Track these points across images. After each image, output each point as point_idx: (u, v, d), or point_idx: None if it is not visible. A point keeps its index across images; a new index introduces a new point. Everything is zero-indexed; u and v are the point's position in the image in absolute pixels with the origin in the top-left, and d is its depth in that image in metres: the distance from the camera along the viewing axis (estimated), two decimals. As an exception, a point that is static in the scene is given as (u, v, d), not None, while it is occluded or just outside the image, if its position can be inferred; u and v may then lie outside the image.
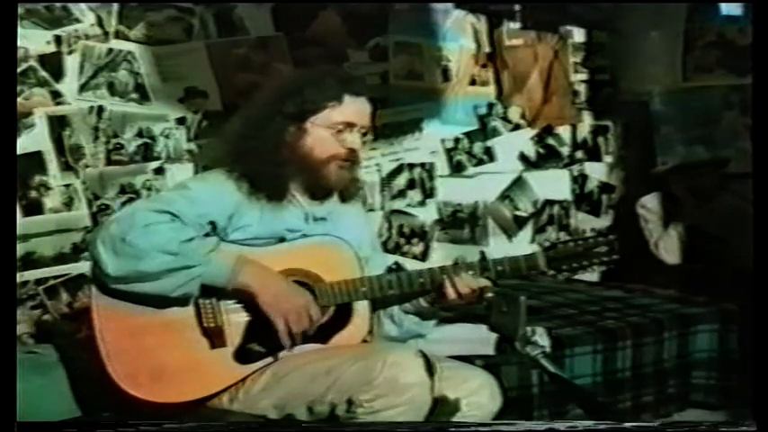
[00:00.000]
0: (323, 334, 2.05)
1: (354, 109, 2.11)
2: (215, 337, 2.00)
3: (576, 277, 4.10)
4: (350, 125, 2.09)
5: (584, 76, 4.18)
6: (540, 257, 2.10)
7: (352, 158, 2.11)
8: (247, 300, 1.99)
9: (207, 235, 2.02)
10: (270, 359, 2.01)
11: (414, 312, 2.19)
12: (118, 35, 3.18)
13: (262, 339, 2.00)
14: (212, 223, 2.02)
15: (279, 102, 2.11)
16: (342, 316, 2.07)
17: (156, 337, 1.98)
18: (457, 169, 3.90)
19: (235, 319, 2.02)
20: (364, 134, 2.14)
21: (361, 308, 2.09)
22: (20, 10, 2.93)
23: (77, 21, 3.11)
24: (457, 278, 2.04)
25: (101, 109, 3.16)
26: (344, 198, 2.21)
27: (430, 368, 1.90)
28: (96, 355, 1.95)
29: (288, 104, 2.09)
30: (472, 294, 2.04)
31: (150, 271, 1.90)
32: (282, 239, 2.07)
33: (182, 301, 1.97)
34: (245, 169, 2.07)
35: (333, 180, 2.11)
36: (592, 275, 4.16)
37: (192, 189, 2.06)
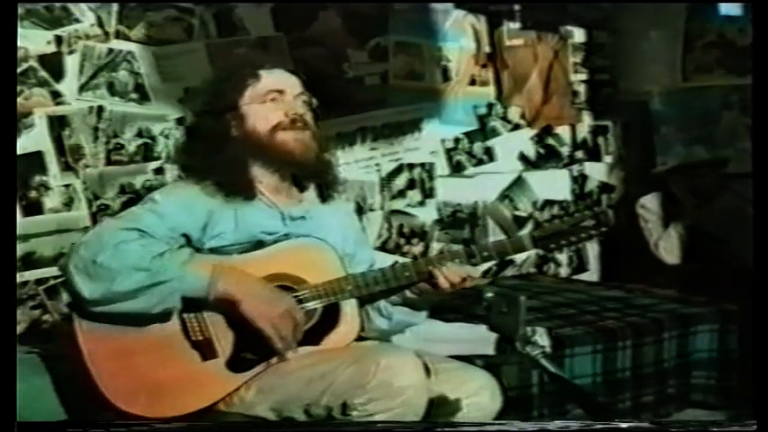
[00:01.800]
0: (314, 336, 2.02)
1: (275, 78, 2.12)
2: (205, 349, 1.96)
3: (576, 277, 4.13)
4: (279, 92, 2.09)
5: (583, 76, 4.18)
6: (525, 239, 2.08)
7: (300, 125, 2.08)
8: (230, 309, 1.95)
9: (181, 247, 1.99)
10: (264, 365, 1.98)
11: (402, 303, 2.16)
12: (118, 35, 3.18)
13: (253, 346, 1.97)
14: (185, 236, 2.00)
15: (205, 103, 2.14)
16: (330, 317, 2.04)
17: (147, 356, 1.94)
18: (457, 169, 3.91)
19: (222, 329, 1.98)
20: (308, 103, 2.13)
21: (350, 307, 2.06)
22: (20, 10, 2.93)
23: (77, 21, 3.11)
24: (443, 267, 2.03)
25: (101, 109, 3.15)
26: (324, 197, 2.19)
27: (425, 370, 1.88)
28: (89, 379, 1.92)
29: (210, 102, 2.12)
30: (461, 282, 2.03)
31: (125, 290, 1.87)
32: (261, 243, 2.04)
33: (164, 317, 1.94)
34: (206, 176, 2.05)
35: (290, 147, 2.06)
36: (592, 275, 4.18)
37: (159, 203, 2.01)
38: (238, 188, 2.05)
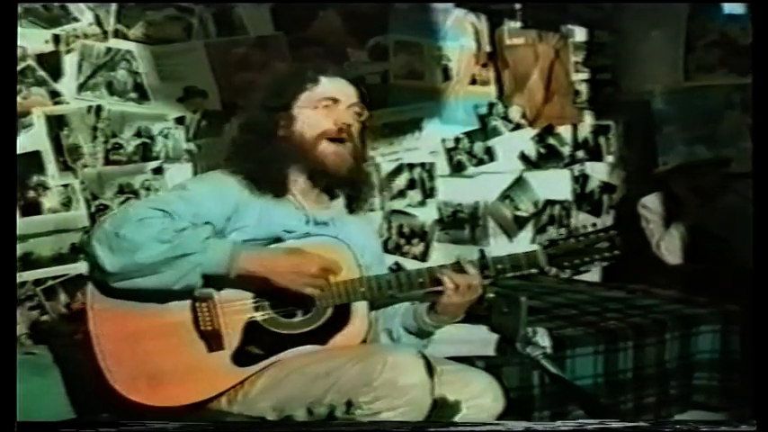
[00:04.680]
0: (322, 335, 2.03)
1: (334, 86, 2.14)
2: (212, 340, 1.98)
3: (578, 277, 4.12)
4: (334, 100, 2.12)
5: (585, 76, 4.17)
6: (540, 255, 2.09)
7: (345, 135, 2.10)
8: (257, 284, 1.97)
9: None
10: (268, 361, 1.99)
11: (416, 331, 2.17)
12: (116, 34, 3.18)
13: (260, 341, 1.99)
14: (209, 224, 2.00)
15: (263, 98, 2.16)
16: (341, 317, 2.05)
17: (154, 342, 1.96)
18: (457, 169, 3.90)
19: (232, 321, 2.00)
20: (359, 114, 2.15)
21: (360, 309, 2.07)
22: (18, 9, 2.92)
23: (76, 20, 3.10)
24: (456, 275, 2.04)
25: (99, 108, 3.15)
26: (352, 209, 2.21)
27: (429, 370, 1.88)
28: (93, 360, 1.94)
29: (269, 98, 2.14)
30: (472, 292, 2.04)
31: (147, 262, 1.88)
32: (279, 240, 2.06)
33: (183, 295, 1.96)
34: (244, 168, 2.08)
35: (330, 159, 2.09)
36: (593, 276, 4.16)
37: (189, 190, 2.05)
38: (270, 184, 2.08)
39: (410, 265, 3.58)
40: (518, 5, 3.95)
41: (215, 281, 1.96)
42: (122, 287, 1.92)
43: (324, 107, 2.11)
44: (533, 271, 3.44)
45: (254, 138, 2.11)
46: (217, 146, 2.24)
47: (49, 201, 3.06)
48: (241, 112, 2.25)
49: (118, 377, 1.93)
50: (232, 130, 2.21)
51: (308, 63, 2.32)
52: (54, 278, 3.05)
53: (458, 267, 2.07)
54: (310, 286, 1.97)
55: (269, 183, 2.07)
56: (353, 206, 2.21)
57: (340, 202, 2.20)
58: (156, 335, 1.97)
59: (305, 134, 2.09)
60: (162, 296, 1.95)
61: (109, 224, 1.92)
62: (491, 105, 3.96)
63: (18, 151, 2.95)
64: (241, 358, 1.99)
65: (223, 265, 1.93)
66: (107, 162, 3.17)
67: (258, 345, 2.00)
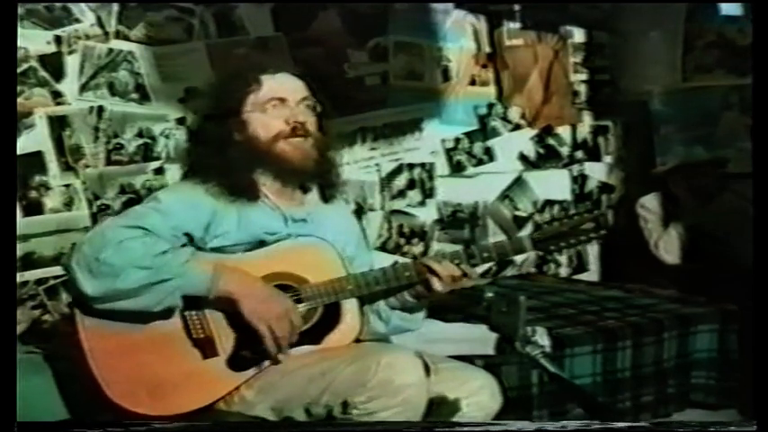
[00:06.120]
0: (315, 335, 2.04)
1: (277, 84, 2.11)
2: (206, 347, 1.98)
3: (576, 277, 4.13)
4: (281, 100, 2.08)
5: (584, 76, 4.18)
6: (525, 240, 2.10)
7: (302, 133, 2.08)
8: (230, 307, 1.96)
9: (183, 246, 2.00)
10: (264, 364, 2.00)
11: (400, 307, 2.17)
12: (118, 35, 3.18)
13: (254, 345, 1.98)
14: (188, 235, 2.00)
15: (207, 107, 2.15)
16: (331, 316, 2.06)
17: (148, 354, 1.96)
18: (457, 169, 3.90)
19: (224, 327, 2.00)
20: (312, 108, 2.12)
21: (350, 306, 2.08)
22: (20, 10, 2.93)
23: (77, 21, 3.10)
24: (439, 266, 2.04)
25: (101, 109, 3.15)
26: (326, 197, 2.19)
27: (425, 369, 1.89)
28: (91, 376, 1.93)
29: (212, 106, 2.12)
30: (454, 280, 2.04)
31: (127, 288, 1.88)
32: (263, 243, 2.05)
33: (166, 314, 1.95)
34: (210, 177, 2.06)
35: (289, 156, 2.06)
36: (592, 275, 4.18)
37: (162, 202, 2.02)
38: (241, 190, 2.06)
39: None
40: (517, 6, 3.96)
41: (196, 301, 1.96)
42: (103, 309, 1.92)
43: (272, 107, 2.08)
44: (530, 270, 3.44)
45: (208, 148, 2.09)
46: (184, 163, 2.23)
47: (51, 201, 3.07)
48: (188, 123, 2.22)
49: (116, 391, 1.92)
50: (184, 142, 2.19)
51: (246, 63, 2.28)
52: (56, 277, 3.06)
53: (442, 258, 2.07)
54: (267, 328, 1.94)
55: (238, 188, 2.05)
56: (327, 194, 2.19)
57: (314, 194, 2.18)
58: (150, 347, 1.96)
59: (260, 137, 2.07)
60: (143, 317, 1.94)
61: (88, 248, 1.90)
62: (490, 106, 3.96)
63: (20, 152, 2.95)
64: (236, 363, 1.99)
65: (203, 287, 1.93)
66: (109, 162, 3.17)
67: (252, 349, 1.99)
